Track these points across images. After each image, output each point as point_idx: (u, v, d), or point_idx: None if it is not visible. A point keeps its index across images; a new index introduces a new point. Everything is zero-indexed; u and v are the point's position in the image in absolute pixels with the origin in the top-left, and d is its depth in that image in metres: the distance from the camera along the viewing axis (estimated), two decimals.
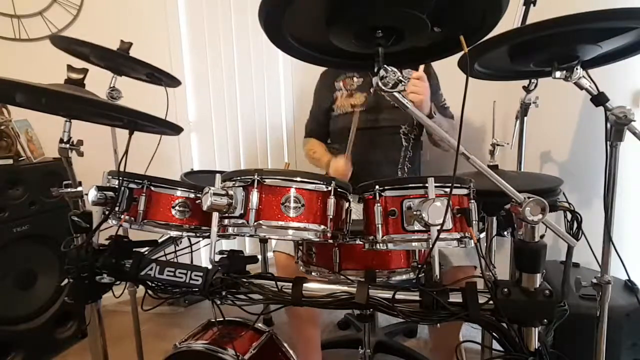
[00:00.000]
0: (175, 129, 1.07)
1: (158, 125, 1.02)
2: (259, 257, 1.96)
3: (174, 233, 0.97)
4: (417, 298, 0.75)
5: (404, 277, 0.94)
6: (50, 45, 1.17)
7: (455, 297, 0.75)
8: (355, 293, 0.78)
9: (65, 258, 0.98)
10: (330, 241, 0.84)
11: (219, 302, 0.88)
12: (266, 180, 0.78)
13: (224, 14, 2.47)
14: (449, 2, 0.68)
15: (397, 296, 0.77)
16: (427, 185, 0.75)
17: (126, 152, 0.97)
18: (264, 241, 1.96)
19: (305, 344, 1.41)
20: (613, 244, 0.96)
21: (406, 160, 1.68)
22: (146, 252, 1.05)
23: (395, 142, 1.66)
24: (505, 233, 1.12)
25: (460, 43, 0.68)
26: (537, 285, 0.73)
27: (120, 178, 0.95)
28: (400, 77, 0.70)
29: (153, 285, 0.93)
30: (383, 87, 0.70)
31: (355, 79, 1.75)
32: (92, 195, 0.93)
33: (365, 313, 1.24)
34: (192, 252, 1.15)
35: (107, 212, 0.95)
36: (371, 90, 1.66)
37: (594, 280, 0.97)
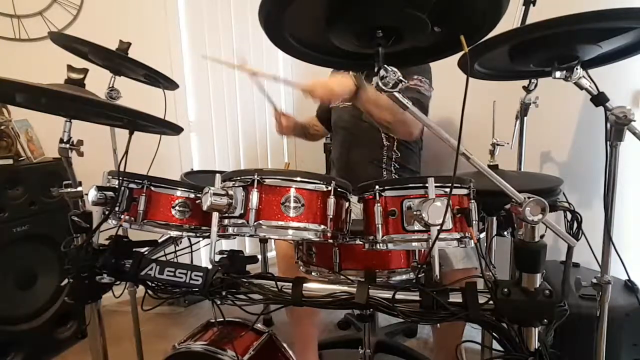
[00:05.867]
0: (175, 129, 1.07)
1: (158, 125, 1.02)
2: (259, 257, 1.97)
3: (174, 233, 0.97)
4: (417, 298, 0.75)
5: (404, 277, 0.94)
6: (50, 45, 1.17)
7: (455, 297, 0.75)
8: (355, 293, 0.78)
9: (65, 258, 0.98)
10: (330, 241, 0.84)
11: (219, 302, 0.88)
12: (266, 180, 0.78)
13: (223, 14, 2.47)
14: (449, 2, 0.68)
15: (397, 296, 0.77)
16: (427, 185, 0.75)
17: (126, 152, 0.97)
18: (264, 241, 1.96)
19: (303, 342, 1.42)
20: (613, 244, 0.96)
21: (392, 160, 1.62)
22: (146, 252, 1.05)
23: (376, 141, 1.61)
24: (505, 233, 1.12)
25: (460, 43, 0.68)
26: (537, 285, 0.73)
27: (120, 178, 0.95)
28: (400, 77, 0.70)
29: (153, 285, 0.92)
30: (383, 87, 0.70)
31: (350, 72, 1.75)
32: (92, 195, 0.93)
33: (365, 313, 1.24)
34: (192, 252, 1.15)
35: (107, 212, 0.95)
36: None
37: (594, 280, 0.97)
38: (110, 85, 1.29)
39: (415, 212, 0.74)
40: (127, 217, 0.94)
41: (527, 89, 1.32)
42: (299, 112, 2.59)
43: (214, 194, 0.76)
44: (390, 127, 1.52)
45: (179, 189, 0.96)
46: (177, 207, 0.95)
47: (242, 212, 0.78)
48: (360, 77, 1.36)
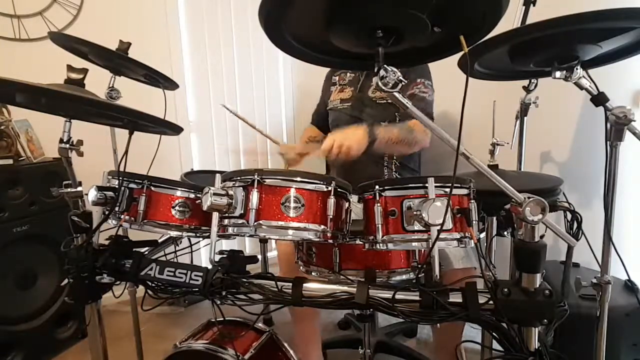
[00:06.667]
0: (175, 129, 1.07)
1: (158, 125, 1.02)
2: (259, 257, 1.97)
3: (174, 233, 0.97)
4: (417, 298, 0.75)
5: (404, 277, 0.94)
6: (50, 45, 1.17)
7: (455, 297, 0.75)
8: (355, 293, 0.78)
9: (65, 258, 0.98)
10: (330, 241, 0.84)
11: (219, 302, 0.88)
12: (266, 180, 0.78)
13: (224, 14, 2.47)
14: (449, 2, 0.68)
15: (397, 296, 0.77)
16: (427, 185, 0.75)
17: (126, 152, 0.97)
18: (264, 241, 1.96)
19: (306, 343, 1.42)
20: (613, 244, 0.96)
21: (393, 159, 1.63)
22: (146, 252, 1.05)
23: None
24: (505, 233, 1.12)
25: (460, 43, 0.68)
26: (537, 285, 0.73)
27: (120, 178, 0.95)
28: (400, 77, 0.70)
29: (153, 285, 0.93)
30: (383, 87, 0.70)
31: (348, 73, 1.75)
32: (92, 195, 0.93)
33: (365, 313, 1.24)
34: (192, 252, 1.15)
35: (107, 212, 0.95)
36: (358, 85, 1.67)
37: (594, 280, 0.97)
38: (110, 85, 1.29)
39: (415, 212, 0.74)
40: (127, 217, 0.94)
41: (527, 89, 1.32)
42: (301, 114, 2.60)
43: (214, 194, 0.76)
44: (407, 153, 1.55)
45: (179, 189, 0.96)
46: (177, 207, 0.95)
47: (242, 212, 0.78)
48: (371, 128, 1.38)
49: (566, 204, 1.04)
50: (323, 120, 1.86)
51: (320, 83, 1.92)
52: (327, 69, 1.88)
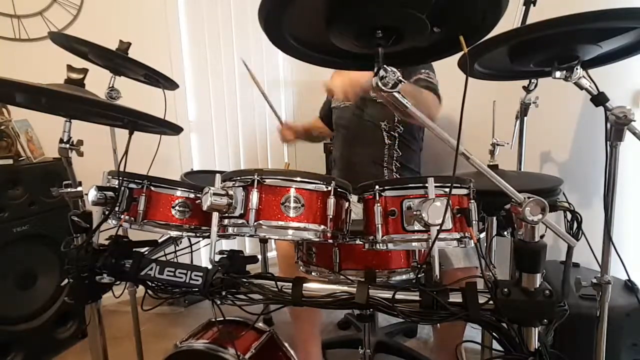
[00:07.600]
0: (175, 129, 1.07)
1: (158, 125, 1.02)
2: (259, 257, 1.97)
3: (174, 233, 0.97)
4: (417, 298, 0.75)
5: (404, 277, 0.94)
6: (50, 45, 1.17)
7: (455, 297, 0.75)
8: (355, 293, 0.78)
9: (65, 258, 0.98)
10: (330, 241, 0.84)
11: (219, 302, 0.88)
12: (266, 180, 0.78)
13: (224, 14, 2.47)
14: (449, 2, 0.68)
15: (397, 296, 0.77)
16: (427, 185, 0.75)
17: (126, 152, 0.97)
18: (264, 241, 1.97)
19: (306, 343, 1.42)
20: (613, 244, 0.96)
21: (393, 159, 1.63)
22: (146, 252, 1.05)
23: (377, 140, 1.61)
24: (505, 233, 1.12)
25: (460, 43, 0.68)
26: (537, 285, 0.73)
27: (120, 178, 0.95)
28: (400, 77, 0.70)
29: (153, 285, 0.92)
30: (383, 87, 0.70)
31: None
32: (92, 195, 0.93)
33: (365, 313, 1.24)
34: (192, 252, 1.15)
35: (107, 212, 0.95)
36: None
37: (594, 280, 0.97)
38: (110, 85, 1.29)
39: (415, 212, 0.74)
40: (127, 217, 0.94)
41: (527, 89, 1.32)
42: (301, 114, 2.60)
43: (214, 194, 0.76)
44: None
45: (179, 189, 0.96)
46: (177, 207, 0.95)
47: (242, 212, 0.78)
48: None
49: (566, 204, 1.04)
50: (326, 117, 1.89)
51: (319, 83, 1.92)
52: (328, 69, 1.88)
